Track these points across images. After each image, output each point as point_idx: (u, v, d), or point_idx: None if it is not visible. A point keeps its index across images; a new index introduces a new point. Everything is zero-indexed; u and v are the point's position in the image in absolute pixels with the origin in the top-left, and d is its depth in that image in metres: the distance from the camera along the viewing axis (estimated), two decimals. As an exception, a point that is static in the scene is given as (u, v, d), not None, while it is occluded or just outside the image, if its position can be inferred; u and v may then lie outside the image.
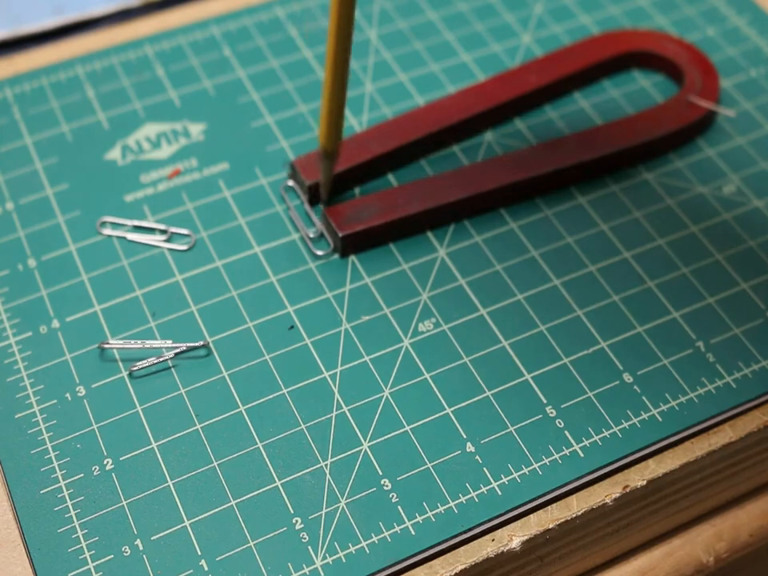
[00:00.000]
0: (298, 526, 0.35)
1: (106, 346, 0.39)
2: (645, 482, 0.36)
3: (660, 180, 0.45)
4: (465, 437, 0.37)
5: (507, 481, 0.36)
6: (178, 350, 0.39)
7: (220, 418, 0.37)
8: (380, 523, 0.35)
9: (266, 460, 0.36)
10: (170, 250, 0.42)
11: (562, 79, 0.47)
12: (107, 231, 0.42)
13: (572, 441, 0.37)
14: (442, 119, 0.45)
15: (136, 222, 0.43)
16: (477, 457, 0.36)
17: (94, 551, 0.34)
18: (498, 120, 0.46)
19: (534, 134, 0.46)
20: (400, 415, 0.37)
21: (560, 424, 0.37)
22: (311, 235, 0.42)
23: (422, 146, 0.45)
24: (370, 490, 0.36)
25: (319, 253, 0.41)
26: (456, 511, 0.35)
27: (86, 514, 0.35)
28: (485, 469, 0.36)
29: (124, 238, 0.42)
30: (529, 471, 0.36)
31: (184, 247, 0.42)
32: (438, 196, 0.42)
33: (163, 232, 0.42)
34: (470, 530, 0.35)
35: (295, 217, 0.42)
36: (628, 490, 0.36)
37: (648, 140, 0.44)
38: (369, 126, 0.46)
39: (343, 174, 0.43)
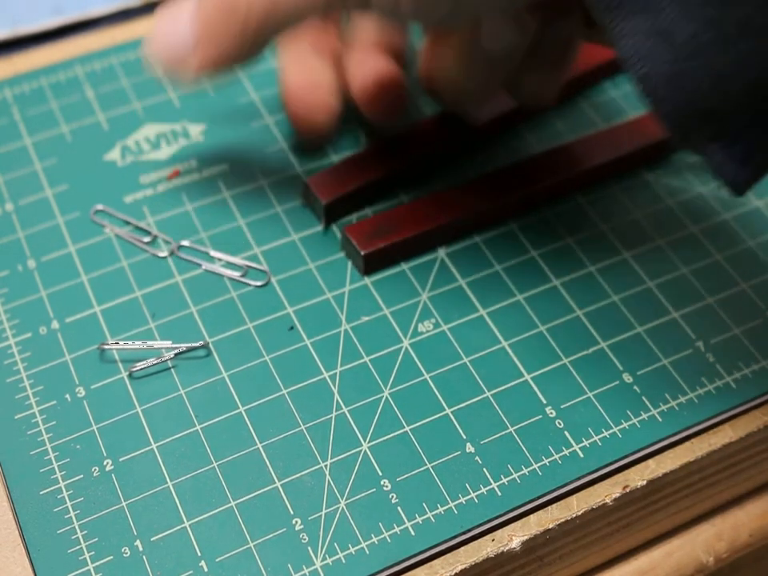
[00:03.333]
0: (297, 527, 0.35)
1: (106, 346, 0.39)
2: (645, 482, 0.36)
3: (660, 180, 0.45)
4: (465, 437, 0.37)
5: (507, 481, 0.36)
6: (177, 351, 0.39)
7: (220, 418, 0.37)
8: (380, 524, 0.35)
9: (266, 460, 0.36)
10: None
11: (566, 85, 0.47)
12: (104, 222, 0.42)
13: (572, 441, 0.37)
14: (450, 134, 0.45)
15: (136, 222, 0.43)
16: (477, 457, 0.36)
17: (93, 552, 0.34)
18: (503, 129, 0.46)
19: (539, 143, 0.46)
20: (400, 416, 0.37)
21: (560, 424, 0.37)
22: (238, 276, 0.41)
23: (432, 162, 0.44)
24: (370, 491, 0.36)
25: (256, 284, 0.41)
26: (456, 512, 0.35)
27: (86, 514, 0.35)
28: (485, 469, 0.36)
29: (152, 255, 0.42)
30: (529, 471, 0.36)
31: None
32: (455, 209, 0.42)
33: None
34: (469, 530, 0.35)
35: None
36: (628, 490, 0.36)
37: (654, 142, 0.44)
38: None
39: (355, 193, 0.43)
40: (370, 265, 0.41)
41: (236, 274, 0.41)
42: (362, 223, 0.42)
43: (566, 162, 0.44)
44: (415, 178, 0.44)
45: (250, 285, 0.41)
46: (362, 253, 0.41)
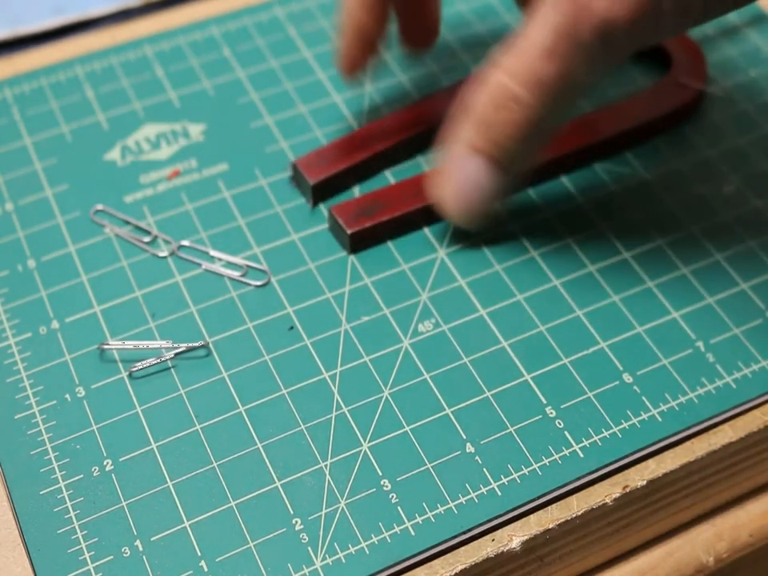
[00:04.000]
0: (297, 527, 0.35)
1: (106, 346, 0.39)
2: (645, 482, 0.36)
3: (660, 180, 0.45)
4: (465, 437, 0.37)
5: (507, 481, 0.36)
6: (177, 351, 0.39)
7: (220, 418, 0.37)
8: (380, 524, 0.35)
9: (266, 460, 0.36)
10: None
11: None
12: (104, 222, 0.42)
13: (572, 441, 0.37)
14: (438, 114, 0.45)
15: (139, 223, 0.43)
16: (477, 457, 0.36)
17: (93, 552, 0.34)
18: None
19: None
20: (400, 415, 0.37)
21: (560, 424, 0.37)
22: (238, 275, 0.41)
23: (419, 142, 0.45)
24: (370, 491, 0.36)
25: (256, 284, 0.41)
26: (456, 512, 0.35)
27: (86, 514, 0.35)
28: (484, 469, 0.36)
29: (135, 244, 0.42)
30: (529, 471, 0.36)
31: (259, 283, 0.41)
32: None
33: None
34: (469, 530, 0.35)
35: None
36: (628, 489, 0.36)
37: (644, 121, 0.45)
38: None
39: (342, 174, 0.43)
40: (356, 243, 0.41)
41: (236, 274, 0.41)
42: (349, 202, 0.42)
43: (559, 141, 0.44)
44: (402, 159, 0.45)
45: (250, 285, 0.41)
46: (349, 232, 0.41)
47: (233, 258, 0.41)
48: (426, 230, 0.43)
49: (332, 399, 0.38)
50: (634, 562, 0.39)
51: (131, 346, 0.39)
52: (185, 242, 0.42)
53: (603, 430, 0.37)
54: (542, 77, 0.36)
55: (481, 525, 0.35)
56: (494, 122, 0.37)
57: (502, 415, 0.37)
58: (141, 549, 0.34)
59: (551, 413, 0.37)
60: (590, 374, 0.38)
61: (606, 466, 0.36)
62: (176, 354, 0.39)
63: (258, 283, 0.41)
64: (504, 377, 0.38)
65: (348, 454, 0.37)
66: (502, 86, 0.37)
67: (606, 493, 0.36)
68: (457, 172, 0.39)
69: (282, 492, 0.36)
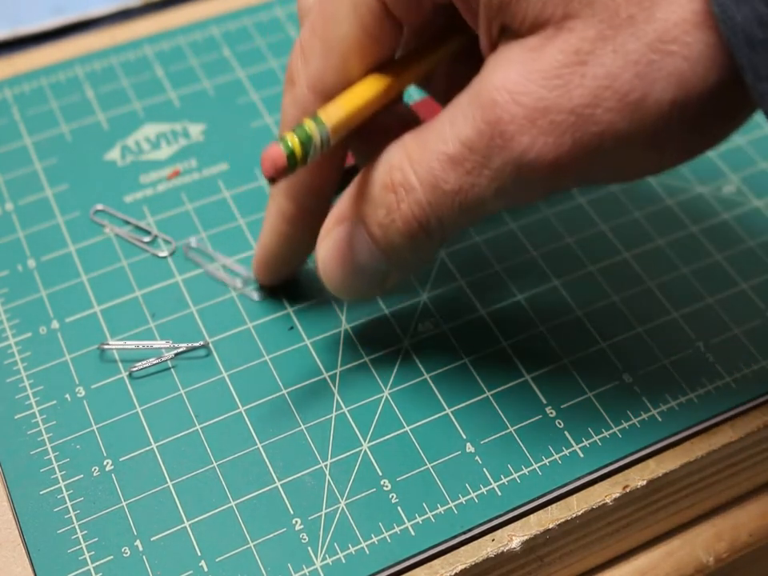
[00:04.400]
0: (297, 527, 0.35)
1: (106, 346, 0.39)
2: (645, 482, 0.36)
3: (660, 180, 0.45)
4: (465, 437, 0.37)
5: (507, 481, 0.36)
6: (177, 351, 0.39)
7: (220, 418, 0.37)
8: (380, 524, 0.35)
9: (266, 460, 0.36)
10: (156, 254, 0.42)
11: None
12: (104, 222, 0.42)
13: (572, 441, 0.37)
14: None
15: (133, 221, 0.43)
16: (477, 457, 0.36)
17: (93, 552, 0.34)
18: None
19: None
20: (400, 416, 0.37)
21: (560, 424, 0.37)
22: (239, 285, 0.41)
23: None
24: (370, 491, 0.36)
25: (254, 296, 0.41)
26: (456, 512, 0.35)
27: (86, 514, 0.35)
28: (485, 469, 0.36)
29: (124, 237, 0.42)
30: (529, 471, 0.36)
31: (164, 253, 0.41)
32: None
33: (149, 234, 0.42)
34: (469, 530, 0.35)
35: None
36: (628, 489, 0.36)
37: None
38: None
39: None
40: None
41: (238, 284, 0.41)
42: None
43: None
44: None
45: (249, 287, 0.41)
46: None
47: (237, 267, 0.41)
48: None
49: (332, 399, 0.38)
50: (634, 561, 0.39)
51: (131, 346, 0.39)
52: (192, 243, 0.42)
53: (603, 430, 0.37)
54: (438, 181, 0.31)
55: (481, 525, 0.35)
56: (380, 202, 0.32)
57: (502, 415, 0.37)
58: (141, 549, 0.34)
59: (551, 413, 0.38)
60: (590, 374, 0.38)
61: (606, 466, 0.36)
62: (176, 354, 0.39)
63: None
64: (504, 377, 0.38)
65: (348, 453, 0.37)
66: (398, 167, 0.32)
67: (606, 493, 0.36)
68: (338, 231, 0.34)
69: (281, 492, 0.36)
